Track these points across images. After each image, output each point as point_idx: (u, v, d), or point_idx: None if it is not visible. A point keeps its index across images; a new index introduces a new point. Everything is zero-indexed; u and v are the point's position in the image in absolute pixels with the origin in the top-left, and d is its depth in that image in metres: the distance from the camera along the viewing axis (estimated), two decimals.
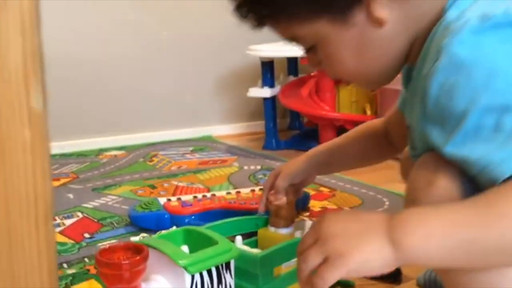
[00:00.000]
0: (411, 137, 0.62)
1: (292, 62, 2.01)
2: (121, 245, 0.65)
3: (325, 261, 0.48)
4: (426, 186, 0.52)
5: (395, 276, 0.82)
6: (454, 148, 0.49)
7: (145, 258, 0.62)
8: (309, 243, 0.50)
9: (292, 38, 0.60)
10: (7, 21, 0.29)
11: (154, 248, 0.65)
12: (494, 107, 0.47)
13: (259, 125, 2.00)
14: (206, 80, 2.03)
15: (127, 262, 0.60)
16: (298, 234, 0.83)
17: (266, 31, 0.60)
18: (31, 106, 0.30)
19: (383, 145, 0.84)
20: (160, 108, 1.97)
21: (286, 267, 0.77)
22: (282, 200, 0.84)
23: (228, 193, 1.16)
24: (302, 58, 1.74)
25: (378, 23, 0.55)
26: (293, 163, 0.89)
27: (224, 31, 1.72)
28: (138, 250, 0.63)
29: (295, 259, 0.61)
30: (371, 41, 0.56)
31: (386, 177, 1.26)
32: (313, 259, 0.49)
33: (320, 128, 1.72)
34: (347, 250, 0.47)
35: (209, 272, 0.66)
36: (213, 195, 1.14)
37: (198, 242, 0.70)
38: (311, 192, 1.24)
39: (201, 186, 1.36)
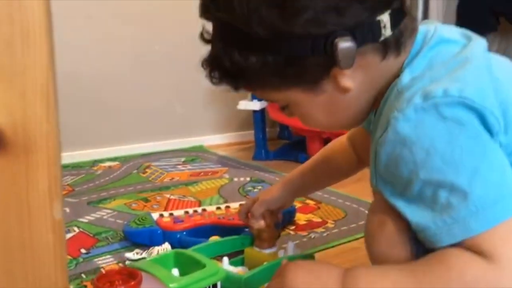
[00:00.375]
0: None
1: None
2: (117, 270, 0.71)
3: None
4: (379, 226, 0.60)
5: None
6: (401, 206, 0.56)
7: (139, 283, 0.68)
8: None
9: (266, 99, 0.66)
10: (37, 159, 0.41)
11: (147, 272, 0.71)
12: (431, 181, 0.53)
13: (249, 135, 2.05)
14: (197, 91, 2.08)
15: (122, 287, 0.67)
16: (281, 254, 0.90)
17: None
18: (54, 217, 0.41)
19: (352, 160, 0.89)
20: (153, 119, 2.02)
21: None
22: (260, 224, 0.91)
23: (218, 207, 1.21)
24: None
25: (345, 90, 0.60)
26: (270, 190, 0.96)
27: None
28: (133, 275, 0.69)
29: None
30: (339, 103, 0.62)
31: (370, 188, 1.31)
32: None
33: (308, 139, 1.77)
34: None
35: None
36: (204, 210, 1.19)
37: (187, 265, 0.76)
38: (297, 205, 1.30)
39: (192, 199, 1.42)
